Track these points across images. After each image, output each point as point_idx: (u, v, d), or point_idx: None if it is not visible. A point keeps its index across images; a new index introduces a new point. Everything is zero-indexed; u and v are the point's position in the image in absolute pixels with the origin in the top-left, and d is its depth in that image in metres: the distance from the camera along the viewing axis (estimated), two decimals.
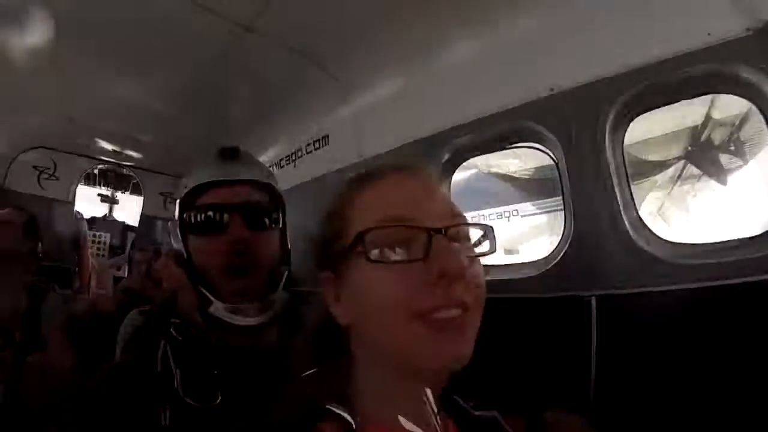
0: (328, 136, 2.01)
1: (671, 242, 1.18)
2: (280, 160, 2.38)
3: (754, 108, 1.12)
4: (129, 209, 4.77)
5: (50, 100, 2.56)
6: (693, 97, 1.21)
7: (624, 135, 1.25)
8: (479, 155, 1.54)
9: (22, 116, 2.76)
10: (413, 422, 0.54)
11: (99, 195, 4.84)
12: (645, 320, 1.15)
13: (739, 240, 1.11)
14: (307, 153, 2.15)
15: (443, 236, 0.52)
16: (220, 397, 0.77)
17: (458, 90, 1.50)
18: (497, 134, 1.44)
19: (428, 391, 0.54)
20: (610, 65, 1.19)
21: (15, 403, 1.58)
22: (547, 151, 1.38)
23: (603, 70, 1.20)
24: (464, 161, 1.55)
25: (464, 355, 0.52)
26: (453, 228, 0.54)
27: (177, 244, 0.97)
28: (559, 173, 1.32)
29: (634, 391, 1.14)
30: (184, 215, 0.94)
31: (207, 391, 0.77)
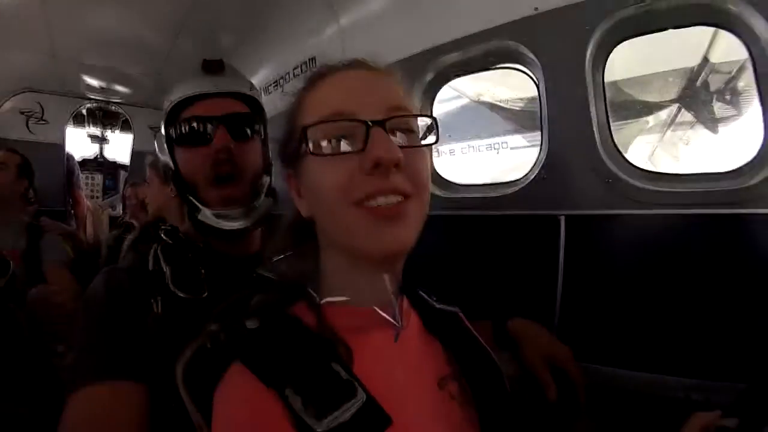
0: (315, 58, 1.99)
1: (642, 169, 1.20)
2: (268, 85, 2.35)
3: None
4: (120, 147, 4.72)
5: (31, 37, 2.48)
6: (679, 27, 1.19)
7: (606, 60, 1.24)
8: (463, 75, 1.54)
9: (4, 57, 2.68)
10: (374, 304, 0.59)
11: (89, 135, 4.76)
12: (611, 241, 1.20)
13: (708, 173, 1.15)
14: (295, 77, 2.12)
15: (381, 128, 0.54)
16: (207, 292, 0.83)
17: (443, 8, 1.47)
18: (481, 54, 1.42)
19: (386, 276, 0.59)
20: None
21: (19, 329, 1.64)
22: (529, 72, 1.37)
23: None
24: (447, 81, 1.55)
25: (404, 241, 0.56)
26: (393, 120, 0.56)
27: (164, 157, 0.99)
28: (539, 95, 1.32)
29: (597, 307, 1.21)
30: (170, 128, 0.96)
31: (195, 286, 0.84)
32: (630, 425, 1.10)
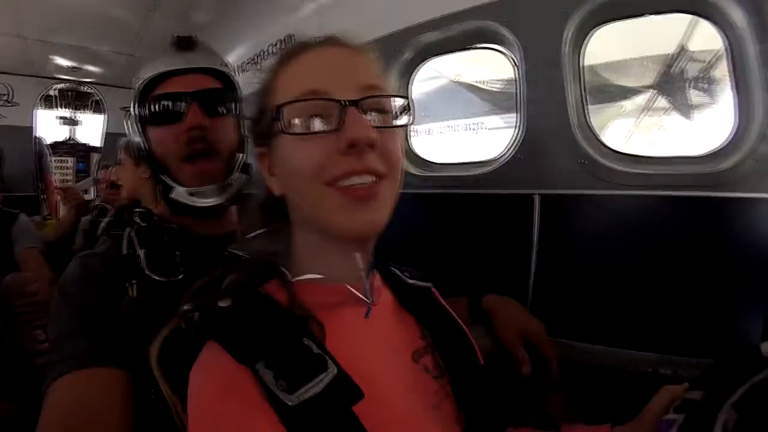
0: (292, 36, 1.92)
1: (616, 151, 1.23)
2: (244, 63, 2.30)
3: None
4: (92, 129, 4.57)
5: None
6: (658, 13, 1.21)
7: (585, 42, 1.25)
8: (441, 55, 1.53)
9: None
10: (345, 281, 0.59)
11: (59, 117, 4.60)
12: (584, 220, 1.23)
13: (682, 157, 1.18)
14: (271, 54, 2.07)
15: (356, 108, 0.54)
16: (182, 274, 0.81)
17: None
18: (460, 34, 1.42)
19: (357, 255, 0.59)
20: None
21: None
22: (508, 53, 1.38)
23: None
24: (424, 61, 1.54)
25: (377, 221, 0.56)
26: (368, 100, 0.55)
27: (135, 137, 0.96)
28: (517, 76, 1.33)
29: (570, 284, 1.24)
30: (141, 108, 0.93)
31: (170, 268, 0.82)
32: (600, 398, 1.14)
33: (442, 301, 0.76)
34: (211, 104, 0.92)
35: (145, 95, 0.93)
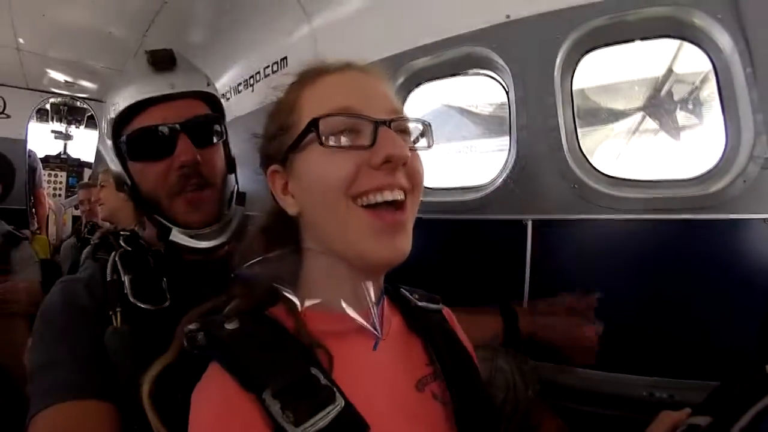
0: (286, 59, 1.97)
1: (607, 175, 1.24)
2: (238, 84, 2.32)
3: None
4: (84, 144, 4.55)
5: None
6: (647, 39, 1.24)
7: (575, 69, 1.27)
8: (433, 80, 1.55)
9: None
10: (354, 310, 0.58)
11: (52, 131, 4.57)
12: (576, 245, 1.24)
13: (671, 180, 1.19)
14: (265, 76, 2.09)
15: (388, 127, 0.55)
16: (169, 301, 0.78)
17: (415, 13, 1.48)
18: (452, 60, 1.44)
19: (369, 284, 0.58)
20: None
21: None
22: (499, 79, 1.39)
23: (561, 3, 1.20)
24: (417, 86, 1.56)
25: (406, 250, 0.56)
26: (396, 122, 0.57)
27: (115, 168, 0.89)
28: (509, 102, 1.35)
29: None
30: (119, 139, 0.85)
31: (156, 295, 0.78)
32: (596, 423, 1.13)
33: (455, 325, 0.75)
34: (202, 134, 0.86)
35: (122, 124, 0.85)
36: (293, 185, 0.61)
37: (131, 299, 0.76)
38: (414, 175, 0.57)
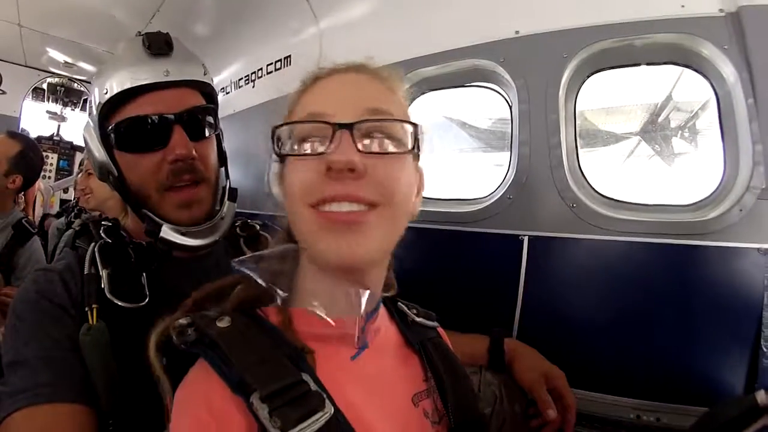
0: (290, 57, 1.95)
1: (605, 196, 1.24)
2: (239, 79, 2.29)
3: (712, 100, 1.18)
4: (78, 128, 4.48)
5: None
6: (654, 64, 1.25)
7: (580, 88, 1.28)
8: (437, 90, 1.54)
9: None
10: (344, 316, 0.56)
11: (47, 112, 4.49)
12: (571, 264, 1.23)
13: (668, 205, 1.20)
14: (268, 73, 2.07)
15: (347, 131, 0.52)
16: (147, 298, 0.75)
17: (424, 22, 1.48)
18: (458, 71, 1.44)
19: (352, 290, 0.56)
20: (579, 18, 1.20)
21: None
22: (503, 93, 1.40)
23: (571, 22, 1.21)
24: (422, 95, 1.55)
25: (361, 252, 0.51)
26: (367, 124, 0.53)
27: (100, 157, 0.83)
28: (511, 117, 1.35)
29: (554, 326, 1.23)
30: (107, 126, 0.80)
31: (134, 292, 0.75)
32: None
33: (448, 343, 0.74)
34: (196, 126, 0.82)
35: (111, 110, 0.79)
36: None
37: (108, 295, 0.73)
38: (382, 182, 0.52)
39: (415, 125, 0.56)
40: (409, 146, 0.56)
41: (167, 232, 0.80)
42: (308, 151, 0.53)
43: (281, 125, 0.55)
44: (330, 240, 0.51)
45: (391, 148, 0.54)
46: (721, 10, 1.07)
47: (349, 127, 0.52)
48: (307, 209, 0.52)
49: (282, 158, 0.59)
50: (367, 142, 0.53)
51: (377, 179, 0.52)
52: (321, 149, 0.52)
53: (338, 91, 0.57)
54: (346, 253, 0.51)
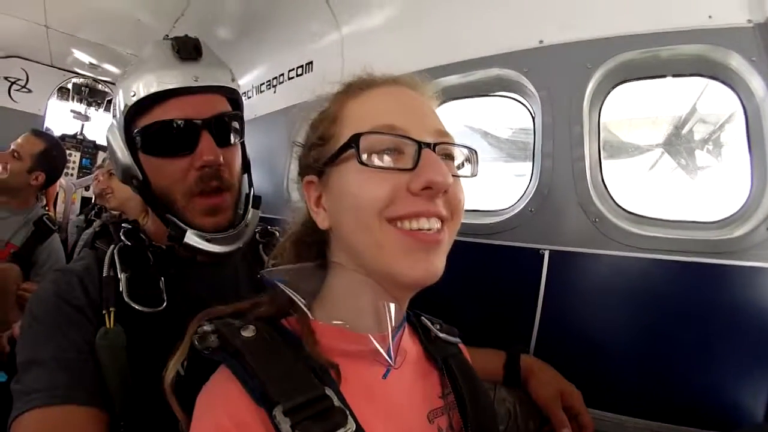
0: (312, 63, 1.96)
1: (628, 211, 1.22)
2: (261, 84, 2.31)
3: (737, 112, 1.15)
4: (101, 128, 4.58)
5: (26, 4, 2.40)
6: (680, 76, 1.22)
7: (604, 99, 1.25)
8: (459, 99, 1.52)
9: None
10: (372, 331, 0.56)
11: (72, 111, 4.60)
12: (591, 280, 1.20)
13: (692, 222, 1.17)
14: (289, 79, 2.08)
15: (432, 150, 0.53)
16: (165, 303, 0.75)
17: (447, 30, 1.47)
18: (481, 80, 1.42)
19: (392, 306, 0.56)
20: (604, 28, 1.18)
21: None
22: (527, 104, 1.38)
23: (596, 32, 1.19)
24: (444, 103, 1.51)
25: (437, 271, 0.53)
26: (441, 145, 0.55)
27: (124, 160, 0.83)
28: (534, 128, 1.33)
29: (572, 343, 1.21)
30: (133, 128, 0.80)
31: (152, 297, 0.75)
32: None
33: (468, 359, 0.73)
34: (224, 132, 0.82)
35: (138, 113, 0.79)
36: (327, 199, 0.59)
37: (126, 299, 0.73)
38: (454, 203, 0.55)
39: (475, 151, 0.60)
40: (473, 172, 0.60)
41: (192, 238, 0.80)
42: (388, 165, 0.53)
43: (368, 133, 0.54)
44: (414, 259, 0.52)
45: (453, 169, 0.57)
46: (749, 21, 1.04)
47: (432, 146, 0.53)
48: (383, 224, 0.52)
49: (323, 166, 0.58)
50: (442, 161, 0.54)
51: (451, 198, 0.54)
52: (401, 164, 0.53)
53: (407, 106, 0.58)
54: (425, 273, 0.52)
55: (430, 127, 0.56)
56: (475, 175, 0.60)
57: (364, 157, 0.53)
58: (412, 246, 0.52)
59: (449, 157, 0.57)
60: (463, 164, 0.59)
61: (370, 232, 0.53)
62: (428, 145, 0.53)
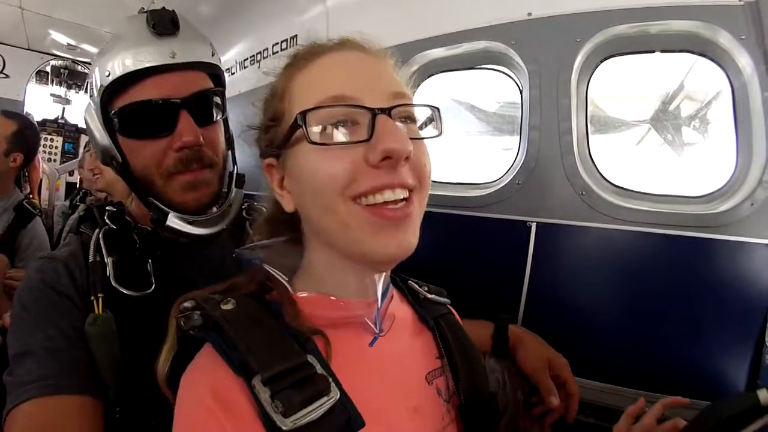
0: (296, 37, 1.90)
1: (615, 184, 1.23)
2: (244, 59, 2.25)
3: (724, 90, 1.15)
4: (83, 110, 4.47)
5: None
6: (668, 51, 1.22)
7: (592, 73, 1.25)
8: (446, 72, 1.51)
9: None
10: (356, 300, 0.55)
11: (51, 95, 4.47)
12: (578, 252, 1.22)
13: (678, 196, 1.18)
14: (273, 53, 2.02)
15: (388, 116, 0.49)
16: (153, 286, 0.74)
17: (436, 1, 1.44)
18: (468, 53, 1.40)
19: (376, 277, 0.55)
20: (594, 1, 1.17)
21: None
22: (514, 76, 1.37)
23: (585, 5, 1.18)
24: (430, 76, 1.52)
25: (410, 245, 0.51)
26: (398, 108, 0.51)
27: (102, 141, 0.80)
28: (521, 101, 1.32)
29: (559, 314, 1.23)
30: (109, 110, 0.77)
31: (140, 280, 0.73)
32: None
33: (459, 320, 0.73)
34: (204, 111, 0.79)
35: (114, 94, 0.76)
36: (288, 182, 0.56)
37: (113, 284, 0.71)
38: (419, 168, 0.51)
39: (437, 108, 0.56)
40: (438, 131, 0.56)
41: (174, 221, 0.78)
42: (341, 139, 0.50)
43: (313, 109, 0.50)
44: (383, 237, 0.49)
45: (416, 132, 0.54)
46: (740, 0, 1.04)
47: (387, 111, 0.50)
48: (347, 203, 0.49)
49: (279, 148, 0.55)
50: (401, 126, 0.51)
51: (415, 164, 0.51)
52: (355, 136, 0.49)
53: (356, 71, 0.53)
54: (397, 249, 0.50)
55: (385, 90, 0.52)
56: (441, 133, 0.56)
57: (315, 134, 0.49)
58: (381, 224, 0.49)
59: (410, 119, 0.53)
60: (426, 124, 0.56)
61: (335, 214, 0.50)
62: (383, 110, 0.49)
